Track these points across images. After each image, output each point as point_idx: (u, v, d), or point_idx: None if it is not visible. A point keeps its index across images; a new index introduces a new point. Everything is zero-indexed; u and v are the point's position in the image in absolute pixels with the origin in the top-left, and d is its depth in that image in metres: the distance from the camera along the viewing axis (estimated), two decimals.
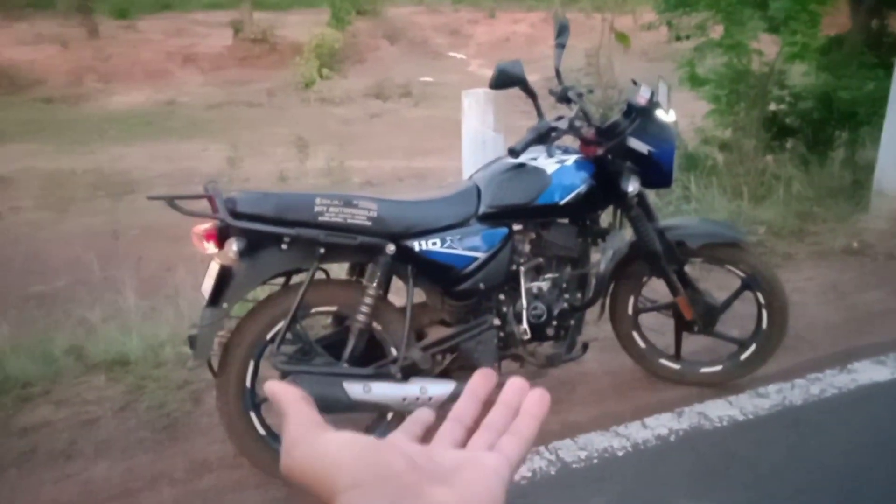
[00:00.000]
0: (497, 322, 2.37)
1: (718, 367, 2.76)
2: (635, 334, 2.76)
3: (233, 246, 2.03)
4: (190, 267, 3.75)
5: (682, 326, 2.75)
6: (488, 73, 2.23)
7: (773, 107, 5.72)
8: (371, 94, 15.67)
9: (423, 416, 0.48)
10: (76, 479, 2.34)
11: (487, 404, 0.47)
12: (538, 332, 2.40)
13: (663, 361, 2.78)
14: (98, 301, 3.67)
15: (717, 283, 3.25)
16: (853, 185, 4.96)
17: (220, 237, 2.06)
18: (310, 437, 0.40)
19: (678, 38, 6.00)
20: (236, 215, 2.05)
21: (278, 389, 0.44)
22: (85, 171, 9.50)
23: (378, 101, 15.28)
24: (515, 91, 2.30)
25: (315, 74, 16.47)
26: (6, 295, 4.71)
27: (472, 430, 0.45)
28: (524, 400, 0.47)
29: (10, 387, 2.86)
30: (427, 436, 0.46)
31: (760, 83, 5.47)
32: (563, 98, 2.50)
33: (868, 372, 2.83)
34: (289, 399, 0.43)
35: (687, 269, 2.66)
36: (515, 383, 0.48)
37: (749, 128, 5.49)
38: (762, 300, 2.64)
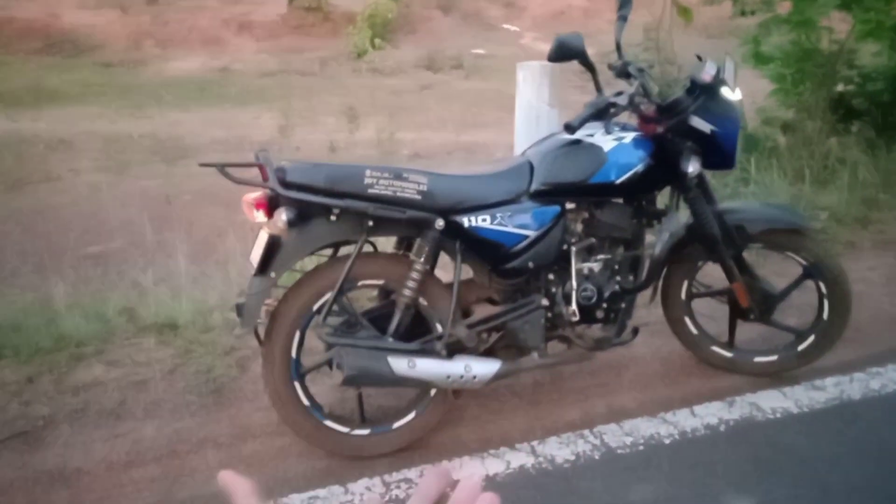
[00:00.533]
0: (545, 302, 2.32)
1: (773, 357, 2.66)
2: (687, 320, 2.69)
3: (282, 216, 2.01)
4: (240, 233, 3.78)
5: (737, 313, 2.66)
6: (542, 46, 2.16)
7: (840, 87, 5.47)
8: (422, 66, 15.54)
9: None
10: (125, 438, 2.39)
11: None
12: (587, 314, 2.34)
13: (715, 349, 2.70)
14: (150, 264, 3.73)
15: (772, 269, 3.15)
16: None
17: (270, 206, 2.05)
18: None
19: (742, 14, 5.77)
20: (286, 185, 2.03)
21: (229, 481, 0.45)
22: (141, 135, 9.68)
23: (429, 73, 15.15)
24: (570, 65, 2.22)
25: (367, 44, 16.39)
26: (64, 254, 4.84)
27: None
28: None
29: (64, 345, 2.93)
30: None
31: (829, 62, 5.23)
32: (623, 73, 2.41)
33: None
34: (238, 493, 0.44)
35: (745, 254, 2.56)
36: (467, 486, 0.46)
37: (814, 109, 5.27)
38: (824, 290, 2.53)
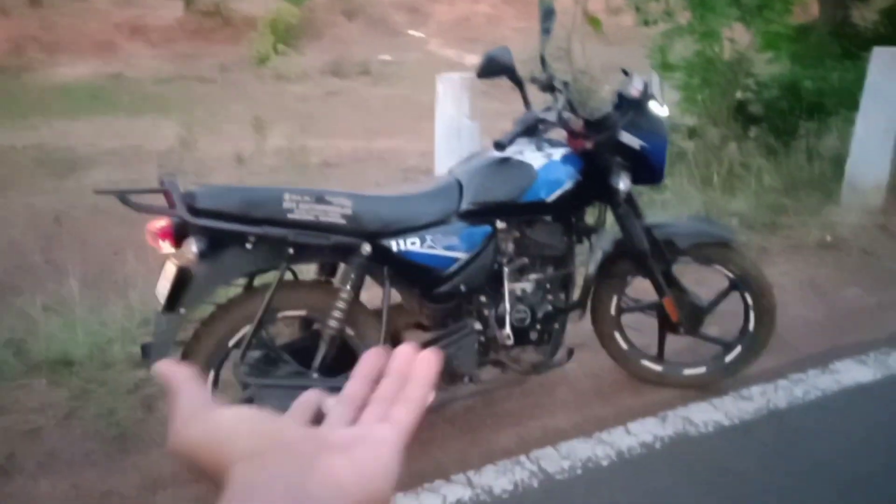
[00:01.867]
0: (478, 326, 2.22)
1: (702, 370, 2.67)
2: (617, 335, 2.65)
3: (192, 246, 1.83)
4: (140, 253, 3.50)
5: (666, 327, 2.64)
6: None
7: (739, 95, 5.68)
8: (328, 72, 15.26)
9: (313, 397, 0.47)
10: (16, 498, 2.12)
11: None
12: (521, 336, 2.26)
13: (645, 363, 2.68)
14: (39, 289, 3.40)
15: (693, 279, 3.17)
16: (820, 176, 4.93)
17: (178, 235, 1.86)
18: (202, 414, 0.40)
19: (646, 23, 5.91)
20: (196, 212, 1.84)
21: (167, 369, 0.44)
22: (26, 146, 9.01)
23: (336, 79, 14.90)
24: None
25: (270, 50, 15.96)
26: None
27: (362, 409, 0.45)
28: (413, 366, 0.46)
29: None
30: (318, 418, 0.45)
31: (730, 71, 5.41)
32: (548, 87, 2.35)
33: (851, 372, 2.78)
34: (178, 377, 0.43)
35: (673, 268, 2.54)
36: (403, 351, 0.47)
37: (717, 116, 5.44)
38: (750, 301, 2.55)
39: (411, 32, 20.22)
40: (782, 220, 4.27)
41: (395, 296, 2.26)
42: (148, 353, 1.94)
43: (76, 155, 8.55)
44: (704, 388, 2.66)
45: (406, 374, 0.45)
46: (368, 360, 0.48)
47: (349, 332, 2.09)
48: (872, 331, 3.08)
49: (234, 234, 1.88)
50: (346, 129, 10.24)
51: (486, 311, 2.24)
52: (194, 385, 0.43)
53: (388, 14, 21.15)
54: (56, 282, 3.46)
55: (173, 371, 0.43)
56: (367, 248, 2.00)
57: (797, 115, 5.69)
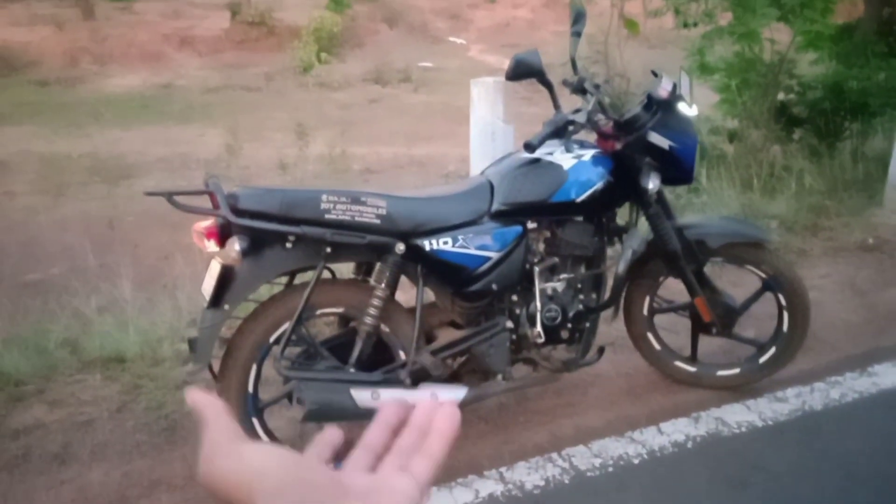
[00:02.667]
0: (510, 324, 2.27)
1: (736, 371, 2.67)
2: (650, 335, 2.67)
3: (235, 245, 1.92)
4: (188, 256, 3.64)
5: (699, 328, 2.65)
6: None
7: (781, 96, 5.61)
8: (370, 79, 15.47)
9: (332, 436, 0.48)
10: (71, 484, 2.24)
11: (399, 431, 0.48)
12: (552, 334, 2.30)
13: (679, 364, 2.69)
14: (93, 291, 3.56)
15: (729, 280, 3.17)
16: (865, 177, 4.85)
17: (222, 235, 1.96)
18: (230, 447, 0.42)
19: (685, 26, 5.88)
20: (239, 212, 1.94)
21: (199, 398, 0.45)
22: (81, 154, 9.36)
23: (377, 86, 15.09)
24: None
25: (313, 58, 16.26)
26: (1, 283, 4.61)
27: (382, 458, 0.46)
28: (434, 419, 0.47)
29: (2, 384, 2.76)
30: (337, 456, 0.47)
31: (770, 72, 5.35)
32: (579, 89, 2.39)
33: (889, 375, 2.74)
34: (209, 409, 0.44)
35: (705, 269, 2.56)
36: (425, 405, 0.48)
37: (758, 118, 5.39)
38: (783, 302, 2.54)
39: (452, 39, 20.35)
40: (823, 222, 4.22)
41: (430, 295, 2.32)
42: (194, 347, 2.04)
43: (127, 163, 8.84)
44: (738, 390, 2.66)
45: (427, 426, 0.47)
46: (390, 410, 0.49)
47: (384, 328, 2.16)
48: None
49: (274, 233, 1.97)
50: (386, 136, 10.38)
51: (517, 310, 2.29)
52: (224, 417, 0.44)
53: (428, 21, 21.33)
54: (109, 284, 3.62)
55: (203, 402, 0.45)
56: (401, 247, 2.07)
57: (842, 117, 5.60)
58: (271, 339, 2.09)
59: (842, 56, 6.01)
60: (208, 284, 2.01)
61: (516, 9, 21.98)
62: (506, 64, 2.14)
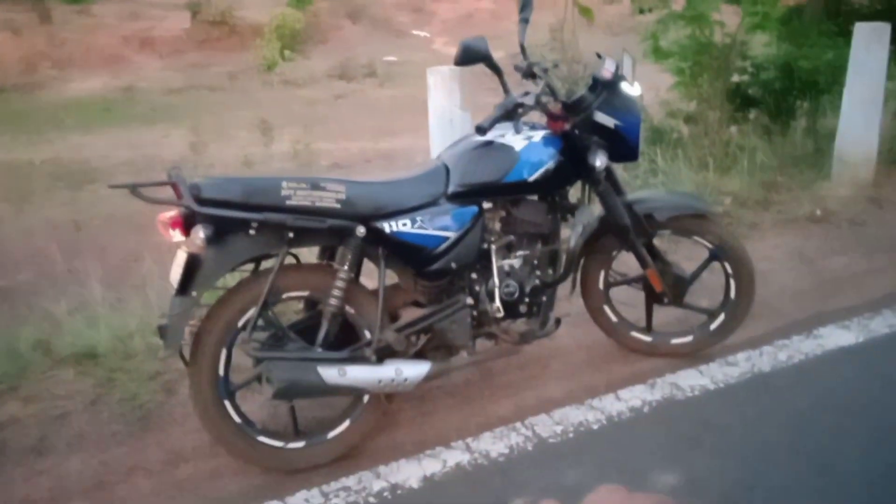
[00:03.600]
0: (470, 301, 2.37)
1: (689, 338, 2.80)
2: (606, 308, 2.79)
3: (199, 233, 1.99)
4: (156, 256, 3.68)
5: (652, 299, 2.77)
6: (453, 50, 2.21)
7: (735, 78, 5.77)
8: (335, 75, 15.49)
9: None
10: (49, 474, 2.30)
11: None
12: (511, 309, 2.40)
13: (635, 334, 2.82)
14: (63, 294, 3.58)
15: (683, 254, 3.30)
16: (815, 153, 5.03)
17: (186, 224, 2.02)
18: None
19: (641, 12, 6.01)
20: (202, 201, 2.01)
21: None
22: (43, 161, 9.28)
23: (342, 82, 15.11)
24: (481, 68, 2.28)
25: (277, 56, 16.22)
26: None
27: None
28: None
29: None
30: None
31: (723, 54, 5.50)
32: (529, 74, 2.49)
33: (834, 337, 2.89)
34: None
35: (655, 241, 2.68)
36: None
37: (713, 99, 5.53)
38: (730, 270, 2.67)
39: (415, 32, 20.39)
40: (774, 196, 4.38)
41: (393, 276, 2.41)
42: (164, 334, 2.10)
43: (91, 167, 8.79)
44: (692, 356, 2.79)
45: None
46: None
47: (349, 309, 2.25)
48: (857, 297, 3.19)
49: (237, 220, 2.04)
50: (353, 131, 10.42)
51: (476, 287, 2.39)
52: None
53: (392, 15, 21.34)
54: (78, 286, 3.64)
55: None
56: (361, 230, 2.15)
57: (794, 96, 5.78)
58: (239, 324, 2.15)
59: (792, 36, 6.19)
60: (175, 273, 2.07)
61: (479, 1, 22.06)
62: None
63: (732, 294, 2.70)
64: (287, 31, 16.88)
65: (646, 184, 4.54)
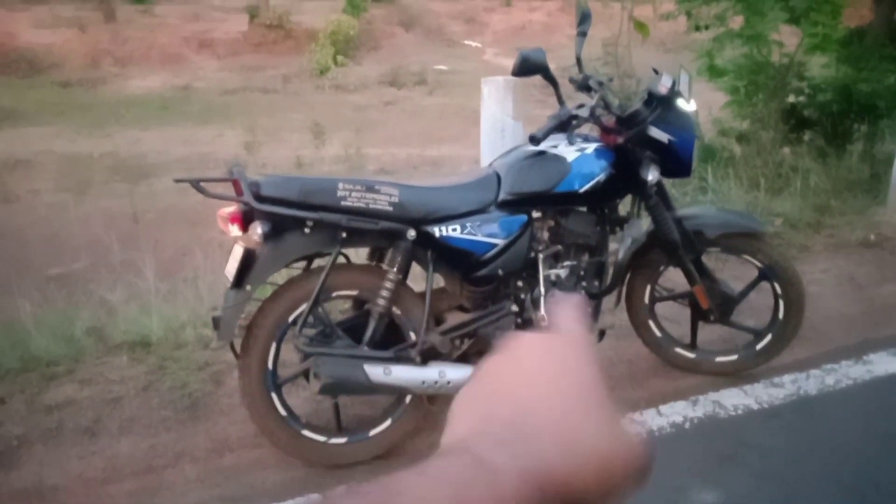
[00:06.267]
0: (515, 308, 2.39)
1: (734, 357, 2.77)
2: (651, 323, 2.78)
3: (257, 229, 2.06)
4: (207, 251, 3.80)
5: (697, 315, 2.76)
6: (504, 61, 2.26)
7: (791, 99, 5.69)
8: (386, 82, 15.68)
9: None
10: (101, 455, 2.39)
11: None
12: None
13: (678, 350, 2.80)
14: (118, 283, 3.72)
15: (732, 273, 3.27)
16: (871, 178, 4.94)
17: (245, 220, 2.09)
18: None
19: (697, 29, 5.97)
20: (260, 199, 2.08)
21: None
22: (102, 154, 9.60)
23: (392, 89, 15.29)
24: (533, 80, 2.31)
25: (330, 61, 16.49)
26: (27, 276, 4.78)
27: None
28: None
29: (34, 365, 2.91)
30: None
31: (780, 74, 5.44)
32: (584, 86, 2.51)
33: (884, 363, 2.83)
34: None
35: (704, 258, 2.67)
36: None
37: (767, 119, 5.47)
38: (779, 290, 2.65)
39: (467, 42, 20.51)
40: (827, 220, 4.31)
41: (439, 280, 2.45)
42: (218, 326, 2.18)
43: (147, 162, 9.05)
44: (736, 375, 2.77)
45: None
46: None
47: (396, 311, 2.29)
48: None
49: (293, 219, 2.10)
50: (401, 137, 10.53)
51: (522, 295, 2.41)
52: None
53: (444, 24, 21.51)
54: (133, 275, 3.77)
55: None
56: (412, 233, 2.20)
57: (851, 119, 5.68)
58: (290, 319, 2.22)
59: (851, 59, 6.08)
60: (231, 266, 2.14)
61: (532, 12, 22.12)
62: None
63: (781, 315, 2.67)
64: (341, 36, 17.16)
65: (695, 201, 4.51)
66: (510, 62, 2.24)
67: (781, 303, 2.66)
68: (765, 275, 2.64)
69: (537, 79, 2.27)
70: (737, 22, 5.45)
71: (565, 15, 21.56)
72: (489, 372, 0.43)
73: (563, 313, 0.48)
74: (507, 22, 21.75)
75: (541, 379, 0.41)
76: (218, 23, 18.72)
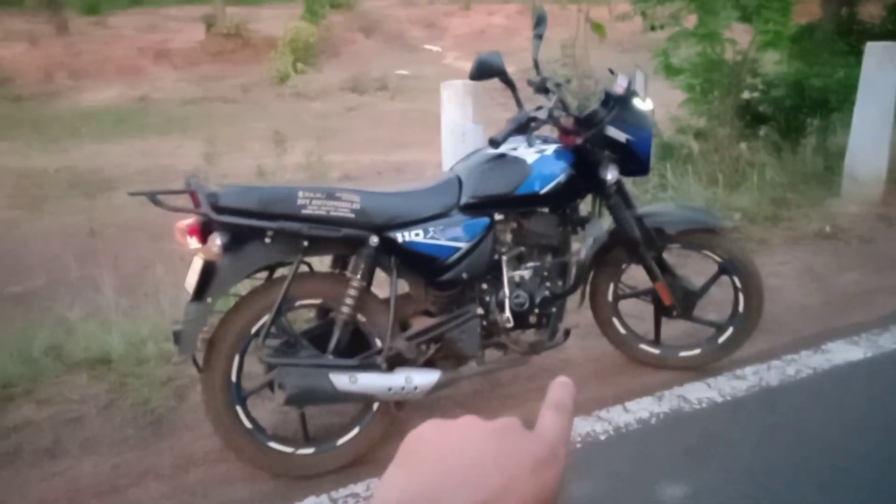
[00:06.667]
0: (480, 311, 2.39)
1: (697, 351, 2.81)
2: (615, 321, 2.81)
3: (216, 240, 2.03)
4: (168, 264, 3.73)
5: (660, 312, 2.79)
6: (465, 65, 2.26)
7: (746, 95, 5.80)
8: (347, 88, 15.59)
9: None
10: (63, 476, 2.33)
11: None
12: (521, 320, 2.42)
13: (643, 346, 2.83)
14: (77, 300, 3.64)
15: (693, 268, 3.32)
16: (825, 170, 5.05)
17: (203, 232, 2.06)
18: None
19: (653, 28, 6.06)
20: (219, 210, 2.05)
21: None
22: (58, 169, 9.38)
23: (354, 95, 15.21)
24: (493, 83, 2.33)
25: (290, 69, 16.35)
26: None
27: None
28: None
29: None
30: None
31: (734, 72, 5.53)
32: (542, 88, 2.52)
33: (842, 352, 2.90)
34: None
35: (665, 255, 2.70)
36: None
37: (723, 116, 5.56)
38: (738, 284, 2.69)
39: (428, 47, 20.52)
40: (784, 213, 4.40)
41: (404, 286, 2.44)
42: (178, 340, 2.14)
43: (106, 176, 8.86)
44: (700, 369, 2.81)
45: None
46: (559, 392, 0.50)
47: (361, 318, 2.28)
48: (866, 313, 3.20)
49: (253, 229, 2.08)
50: (364, 144, 10.48)
51: (487, 297, 2.41)
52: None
53: (404, 30, 21.50)
54: (92, 292, 3.69)
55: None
56: (374, 239, 2.19)
57: (804, 113, 5.81)
58: (253, 331, 2.19)
59: (803, 55, 6.22)
60: (191, 279, 2.11)
61: (491, 16, 22.23)
62: None
63: (741, 308, 2.71)
64: (300, 44, 17.03)
65: (655, 198, 4.56)
66: (470, 66, 2.25)
67: (741, 296, 2.70)
68: (724, 269, 2.69)
69: (497, 82, 2.28)
70: (691, 21, 5.55)
71: (524, 18, 21.70)
72: (411, 452, 0.42)
73: (552, 405, 0.48)
74: (467, 26, 21.81)
75: (458, 468, 0.40)
76: (174, 33, 18.45)
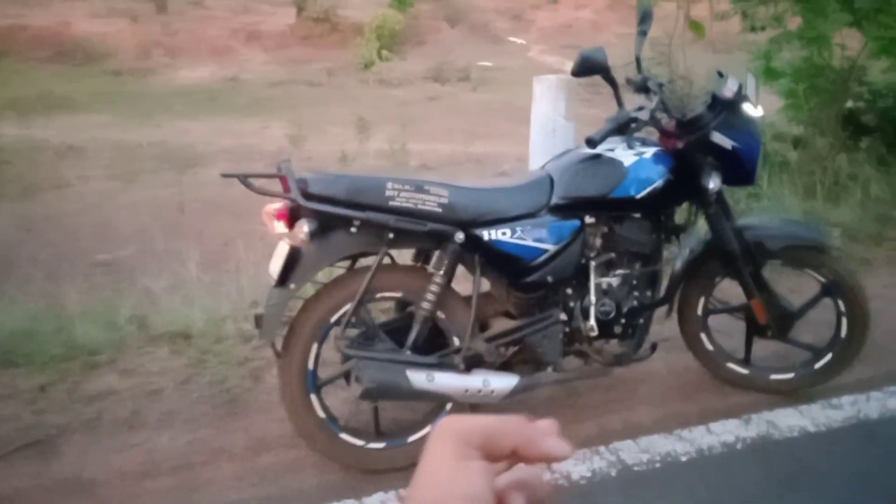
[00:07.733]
0: (563, 317, 2.31)
1: (790, 375, 2.65)
2: (703, 336, 2.67)
3: (304, 227, 2.01)
4: (249, 243, 3.79)
5: (753, 330, 2.64)
6: (549, 59, 2.20)
7: (850, 104, 5.48)
8: (429, 77, 15.64)
9: None
10: (140, 448, 2.38)
11: None
12: (605, 329, 2.33)
13: (731, 365, 2.69)
14: (162, 272, 3.73)
15: (786, 285, 3.14)
16: None
17: (291, 217, 2.05)
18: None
19: (753, 29, 5.80)
20: (308, 196, 2.03)
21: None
22: (151, 143, 9.73)
23: (436, 84, 15.24)
24: (578, 79, 2.23)
25: (375, 55, 16.52)
26: (74, 262, 4.85)
27: None
28: None
29: (76, 353, 2.92)
30: None
31: (840, 78, 5.23)
32: (643, 88, 2.41)
33: None
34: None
35: (763, 271, 2.55)
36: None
37: (825, 124, 5.27)
38: (842, 308, 2.51)
39: (512, 39, 20.36)
40: (889, 232, 4.12)
41: (486, 284, 2.38)
42: (260, 324, 2.14)
43: (195, 152, 9.14)
44: (791, 395, 2.64)
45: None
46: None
47: (440, 315, 2.23)
48: None
49: (340, 217, 2.05)
50: (444, 133, 10.47)
51: (571, 303, 2.33)
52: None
53: (490, 21, 21.41)
54: (177, 265, 3.79)
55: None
56: (460, 235, 2.13)
57: None
58: (332, 320, 2.17)
59: None
60: (276, 264, 2.10)
61: (579, 10, 21.87)
62: (566, 65, 2.20)
63: (843, 334, 2.53)
64: (386, 31, 17.18)
65: (749, 208, 4.35)
66: (555, 59, 2.22)
67: (845, 320, 2.52)
68: (828, 290, 2.51)
69: (585, 78, 2.19)
70: (794, 23, 5.26)
71: (613, 13, 21.28)
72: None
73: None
74: (554, 19, 21.53)
75: None
76: (266, 16, 18.91)
